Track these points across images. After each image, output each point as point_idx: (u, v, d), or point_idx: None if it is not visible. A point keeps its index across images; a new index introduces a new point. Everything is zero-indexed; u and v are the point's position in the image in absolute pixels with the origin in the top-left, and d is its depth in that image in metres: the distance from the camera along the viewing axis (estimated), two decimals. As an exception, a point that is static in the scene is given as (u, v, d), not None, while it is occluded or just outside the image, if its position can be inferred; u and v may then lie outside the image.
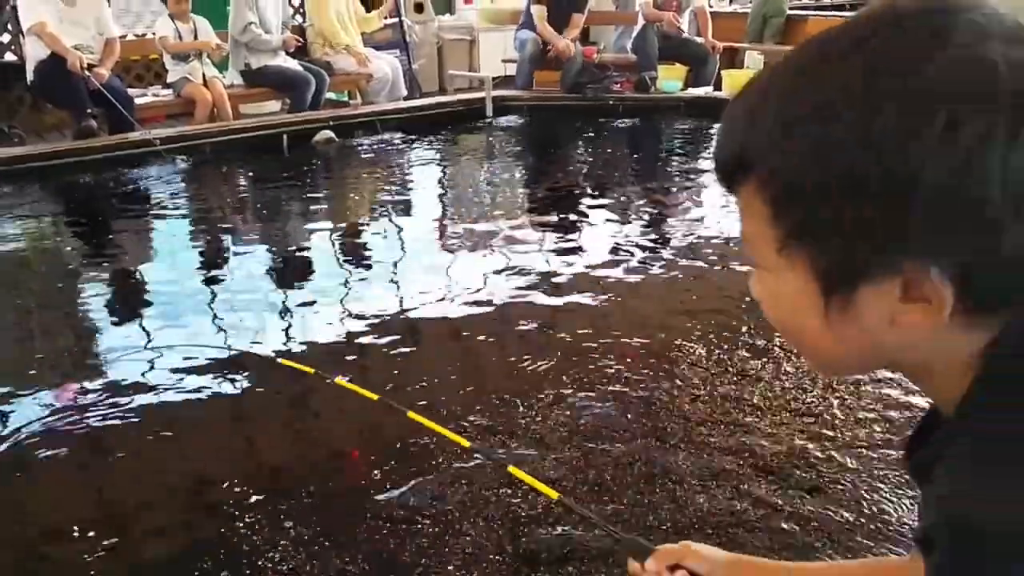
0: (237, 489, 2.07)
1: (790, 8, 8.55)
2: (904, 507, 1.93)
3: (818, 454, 2.16)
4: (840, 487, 2.02)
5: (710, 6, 8.10)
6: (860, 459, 2.13)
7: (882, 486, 2.02)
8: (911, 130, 0.50)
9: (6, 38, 6.26)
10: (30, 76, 5.63)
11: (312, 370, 1.91)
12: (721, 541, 1.78)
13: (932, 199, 0.50)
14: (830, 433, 2.26)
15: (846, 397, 2.43)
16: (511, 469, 1.37)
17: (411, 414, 1.48)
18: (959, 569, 0.53)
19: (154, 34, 6.19)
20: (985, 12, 0.53)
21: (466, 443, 1.49)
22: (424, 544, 1.85)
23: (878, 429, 2.27)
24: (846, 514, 1.92)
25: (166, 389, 2.63)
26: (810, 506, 1.95)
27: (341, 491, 2.08)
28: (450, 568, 1.78)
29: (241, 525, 1.94)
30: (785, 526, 1.89)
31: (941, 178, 0.50)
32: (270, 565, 1.81)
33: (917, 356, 0.59)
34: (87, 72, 5.42)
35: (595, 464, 2.12)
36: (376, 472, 2.10)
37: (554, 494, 1.24)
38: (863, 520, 1.90)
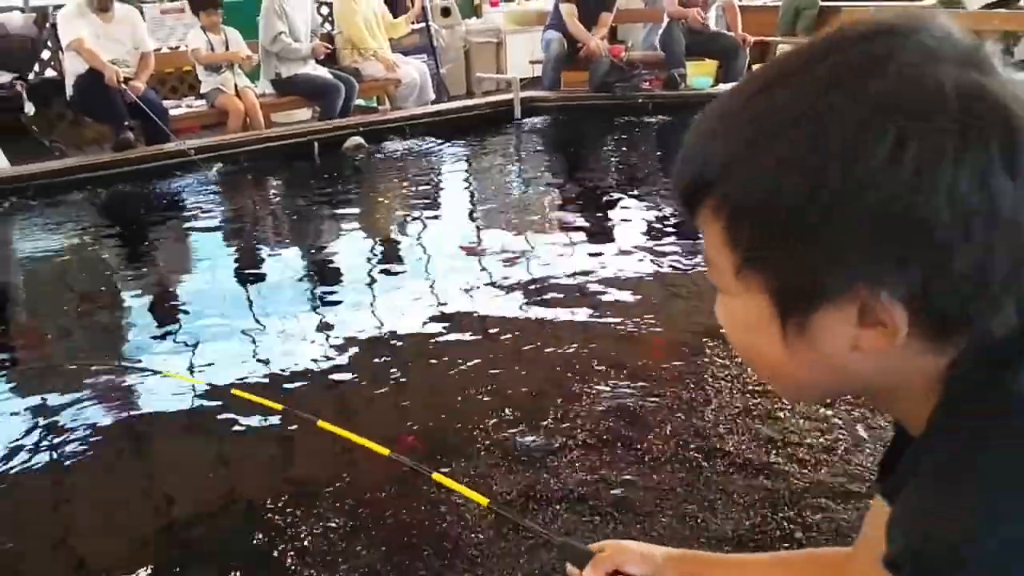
0: (269, 494, 2.11)
1: (822, 0, 8.40)
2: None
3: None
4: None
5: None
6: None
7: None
8: (857, 151, 0.50)
9: (46, 54, 6.44)
10: (69, 91, 5.78)
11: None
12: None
13: (880, 221, 0.50)
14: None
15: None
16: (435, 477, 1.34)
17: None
18: None
19: (187, 47, 6.30)
20: (935, 34, 0.53)
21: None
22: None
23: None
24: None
25: (203, 396, 2.69)
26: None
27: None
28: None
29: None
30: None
31: (888, 199, 0.49)
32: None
33: (882, 380, 0.59)
34: (123, 86, 5.55)
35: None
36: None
37: (484, 500, 1.23)
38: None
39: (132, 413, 2.63)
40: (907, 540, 0.54)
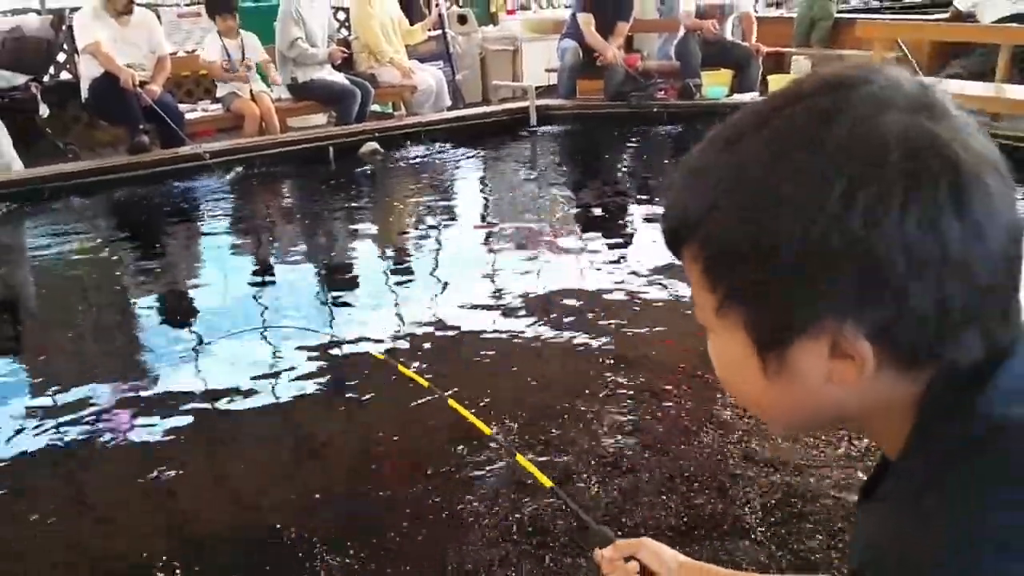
0: (292, 479, 2.06)
1: (838, 12, 8.40)
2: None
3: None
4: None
5: (756, 11, 8.00)
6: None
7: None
8: (812, 200, 0.54)
9: (62, 57, 6.43)
10: (84, 94, 5.76)
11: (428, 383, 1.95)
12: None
13: (836, 264, 0.54)
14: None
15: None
16: (519, 459, 1.47)
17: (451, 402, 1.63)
18: None
19: (201, 53, 6.28)
20: (884, 84, 0.57)
21: (488, 430, 1.60)
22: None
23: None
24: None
25: (220, 397, 2.64)
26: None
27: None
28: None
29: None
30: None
31: (843, 244, 0.53)
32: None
33: (859, 409, 0.61)
34: (139, 89, 5.52)
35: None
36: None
37: (548, 482, 1.31)
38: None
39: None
40: (877, 560, 0.58)
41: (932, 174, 0.53)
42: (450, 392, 2.28)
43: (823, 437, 2.25)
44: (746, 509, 1.96)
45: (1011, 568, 0.50)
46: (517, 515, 1.98)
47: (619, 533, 1.09)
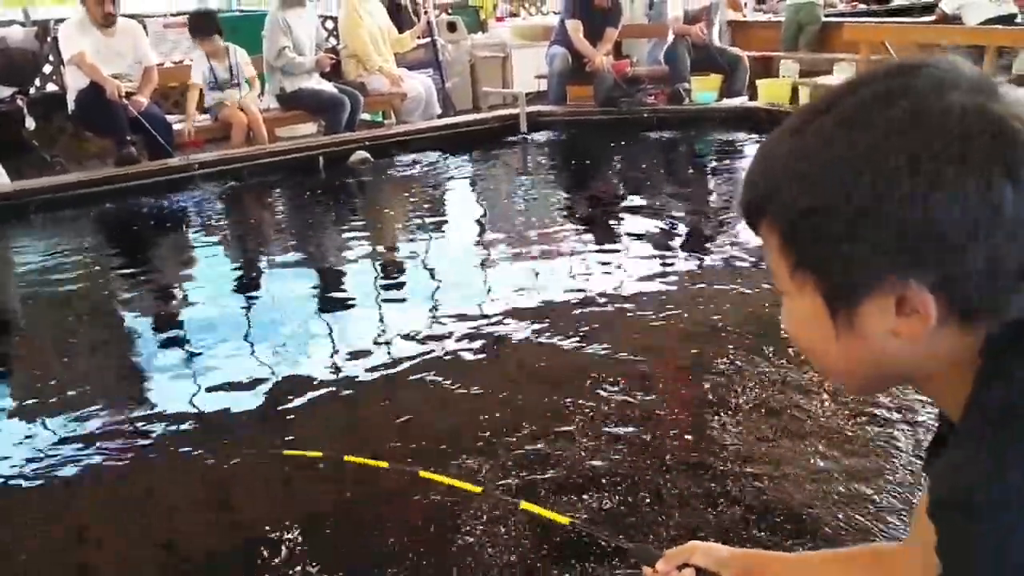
0: (273, 526, 2.02)
1: (825, 16, 8.43)
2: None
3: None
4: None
5: (743, 16, 8.02)
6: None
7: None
8: (877, 170, 0.60)
9: (48, 69, 6.37)
10: (71, 105, 5.70)
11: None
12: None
13: (901, 226, 0.60)
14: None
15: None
16: (524, 505, 1.40)
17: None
18: (954, 538, 0.61)
19: (190, 61, 6.23)
20: (944, 68, 0.63)
21: (478, 489, 1.61)
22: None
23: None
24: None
25: (204, 415, 2.60)
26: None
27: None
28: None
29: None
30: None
31: (906, 208, 0.59)
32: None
33: (922, 364, 0.67)
34: (125, 100, 5.47)
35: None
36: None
37: (566, 520, 1.29)
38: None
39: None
40: (936, 491, 0.65)
41: (988, 145, 0.59)
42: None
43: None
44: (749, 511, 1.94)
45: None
46: (542, 561, 1.84)
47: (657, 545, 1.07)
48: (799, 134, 0.65)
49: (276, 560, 1.88)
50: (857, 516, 1.93)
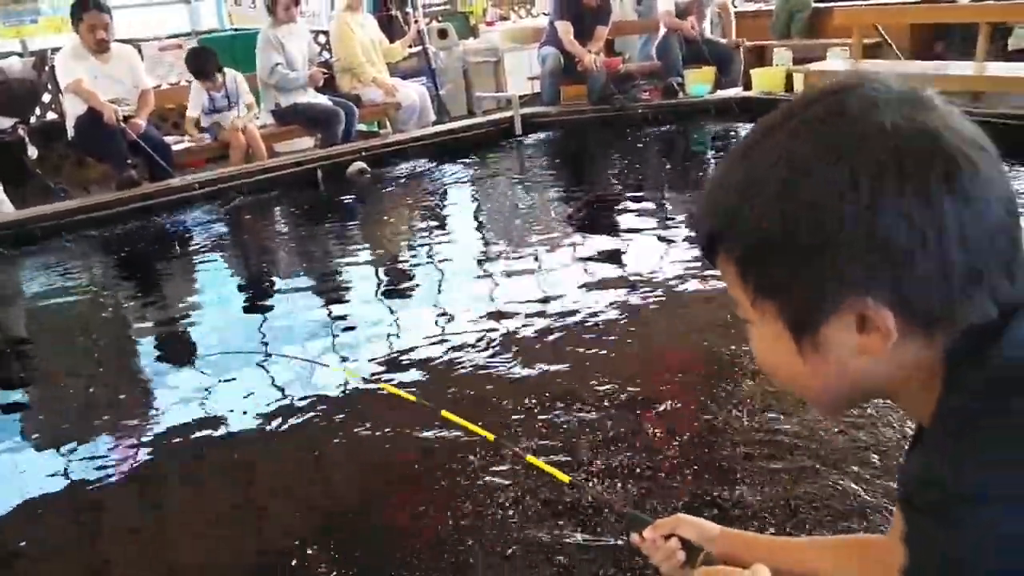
0: (297, 503, 2.05)
1: (815, 1, 8.41)
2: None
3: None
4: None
5: (734, 5, 8.03)
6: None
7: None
8: (819, 192, 0.62)
9: (47, 98, 6.45)
10: (70, 132, 5.78)
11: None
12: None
13: (849, 245, 0.61)
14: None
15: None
16: (529, 459, 1.50)
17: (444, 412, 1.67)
18: (916, 535, 0.64)
19: (186, 82, 6.28)
20: (877, 86, 0.65)
21: (491, 436, 1.66)
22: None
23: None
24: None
25: (214, 437, 2.64)
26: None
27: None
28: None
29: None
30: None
31: (852, 225, 0.61)
32: None
33: (890, 378, 0.68)
34: (123, 124, 5.53)
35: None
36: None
37: (566, 478, 1.37)
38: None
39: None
40: (902, 489, 0.67)
41: (923, 157, 0.61)
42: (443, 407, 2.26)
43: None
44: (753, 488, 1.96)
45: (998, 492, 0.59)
46: (542, 514, 1.98)
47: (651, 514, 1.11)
48: (746, 162, 0.68)
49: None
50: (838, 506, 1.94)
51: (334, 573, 1.88)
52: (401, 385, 2.76)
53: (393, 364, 2.99)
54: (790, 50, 7.65)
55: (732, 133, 6.51)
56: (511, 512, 2.01)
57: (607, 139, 6.65)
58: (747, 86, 7.03)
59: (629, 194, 5.35)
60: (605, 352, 2.87)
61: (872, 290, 0.62)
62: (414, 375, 2.87)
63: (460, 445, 2.29)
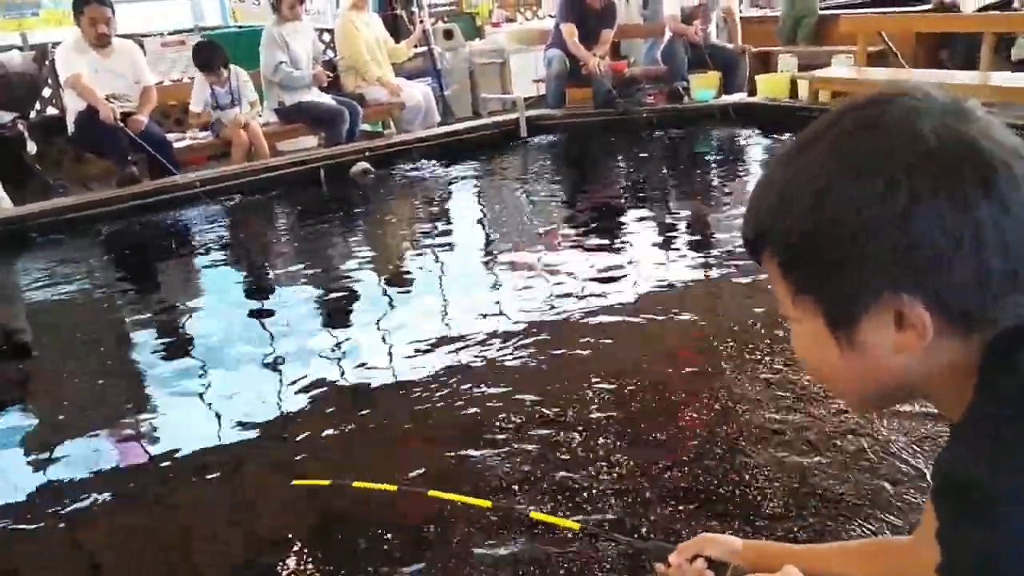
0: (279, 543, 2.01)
1: (821, 7, 8.40)
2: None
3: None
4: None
5: (740, 11, 8.01)
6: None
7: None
8: (859, 197, 0.65)
9: (47, 93, 6.39)
10: (70, 128, 5.71)
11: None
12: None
13: (888, 246, 0.64)
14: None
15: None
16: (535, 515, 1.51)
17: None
18: (950, 525, 0.65)
19: (189, 79, 6.23)
20: (918, 96, 0.68)
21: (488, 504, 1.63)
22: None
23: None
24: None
25: (210, 436, 2.60)
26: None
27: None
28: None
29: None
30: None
31: (891, 228, 0.64)
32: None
33: (924, 376, 0.70)
34: (120, 123, 5.46)
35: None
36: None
37: (575, 525, 1.37)
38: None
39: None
40: (936, 479, 0.68)
41: (960, 164, 0.63)
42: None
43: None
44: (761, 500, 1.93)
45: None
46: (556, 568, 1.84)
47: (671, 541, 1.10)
48: (792, 165, 0.70)
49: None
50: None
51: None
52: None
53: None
54: (795, 56, 7.64)
55: (737, 138, 6.49)
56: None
57: (611, 143, 6.62)
58: (752, 92, 7.01)
59: (630, 197, 5.33)
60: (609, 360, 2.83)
61: (908, 289, 0.65)
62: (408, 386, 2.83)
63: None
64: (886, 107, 0.67)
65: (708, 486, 2.07)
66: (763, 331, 2.91)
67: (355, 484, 1.59)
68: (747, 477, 2.09)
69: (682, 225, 4.67)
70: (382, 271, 4.26)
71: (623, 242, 4.34)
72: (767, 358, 2.71)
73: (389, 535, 1.98)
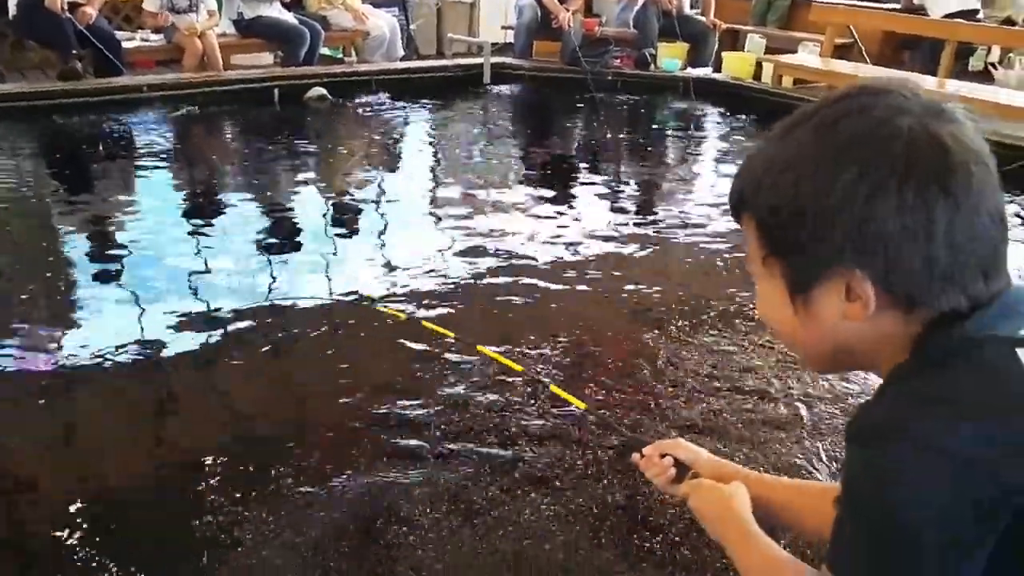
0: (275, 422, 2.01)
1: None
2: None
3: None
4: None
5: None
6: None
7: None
8: (830, 179, 0.72)
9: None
10: (12, 10, 5.41)
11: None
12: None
13: (848, 226, 0.72)
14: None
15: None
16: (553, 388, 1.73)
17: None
18: (849, 465, 0.75)
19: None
20: (906, 94, 0.74)
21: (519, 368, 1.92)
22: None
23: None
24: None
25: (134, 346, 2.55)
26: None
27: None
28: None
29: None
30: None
31: (853, 211, 0.71)
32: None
33: (868, 343, 0.79)
34: (67, 14, 5.19)
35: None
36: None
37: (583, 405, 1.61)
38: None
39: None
40: (855, 419, 0.76)
41: (927, 162, 0.69)
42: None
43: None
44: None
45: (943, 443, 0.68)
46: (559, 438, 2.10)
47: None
48: (780, 142, 0.78)
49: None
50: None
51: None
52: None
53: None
54: (764, 38, 7.67)
55: (695, 112, 6.50)
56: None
57: (573, 100, 6.58)
58: (718, 68, 7.03)
59: (585, 155, 5.33)
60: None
61: (860, 267, 0.72)
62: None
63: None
64: (874, 100, 0.73)
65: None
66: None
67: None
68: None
69: (628, 189, 4.69)
70: (320, 198, 4.19)
71: (567, 201, 4.35)
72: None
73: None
